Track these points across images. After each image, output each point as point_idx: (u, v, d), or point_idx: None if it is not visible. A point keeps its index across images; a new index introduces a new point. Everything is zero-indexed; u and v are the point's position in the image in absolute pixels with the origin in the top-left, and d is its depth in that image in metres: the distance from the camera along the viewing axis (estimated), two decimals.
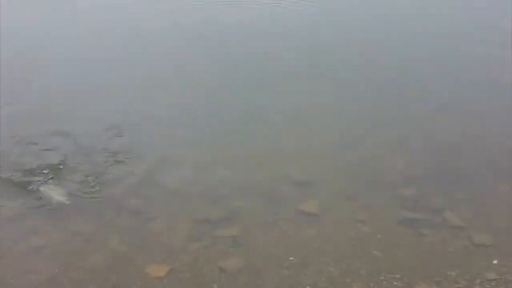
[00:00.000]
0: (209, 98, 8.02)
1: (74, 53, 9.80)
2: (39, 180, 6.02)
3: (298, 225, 5.49)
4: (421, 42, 9.91)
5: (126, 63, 9.41)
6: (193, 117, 7.58)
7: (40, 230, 5.43)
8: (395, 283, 4.70)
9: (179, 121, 7.43)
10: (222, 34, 10.41)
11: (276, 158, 6.60)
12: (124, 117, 7.47)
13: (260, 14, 11.39)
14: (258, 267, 4.92)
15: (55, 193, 5.77)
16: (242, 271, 4.86)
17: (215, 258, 5.02)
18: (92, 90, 8.30)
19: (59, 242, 5.29)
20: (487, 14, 11.00)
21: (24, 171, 6.22)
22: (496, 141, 6.77)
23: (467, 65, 8.95)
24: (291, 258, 5.04)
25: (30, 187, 5.94)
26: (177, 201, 5.87)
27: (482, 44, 9.22)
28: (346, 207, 5.79)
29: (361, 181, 6.20)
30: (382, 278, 4.77)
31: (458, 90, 8.11)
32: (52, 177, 6.08)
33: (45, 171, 6.19)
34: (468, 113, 7.42)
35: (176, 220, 5.57)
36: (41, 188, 5.87)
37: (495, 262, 4.91)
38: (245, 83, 8.53)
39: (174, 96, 8.08)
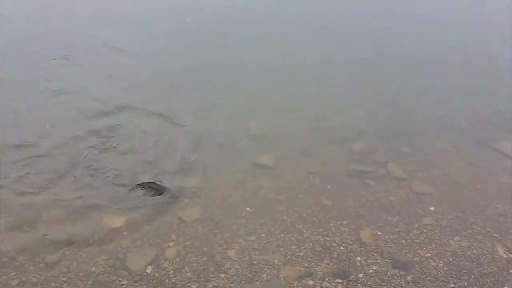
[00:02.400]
0: (177, 46, 8.03)
1: None
2: None
3: (254, 177, 5.76)
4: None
5: None
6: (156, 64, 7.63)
7: None
8: (342, 228, 5.13)
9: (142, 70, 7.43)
10: None
11: (237, 112, 6.76)
12: None
13: None
14: (216, 217, 5.17)
15: None
16: (200, 221, 5.09)
17: (173, 209, 5.20)
18: None
19: None
20: None
21: None
22: (439, 102, 7.27)
23: (429, 37, 9.36)
24: (248, 209, 5.33)
25: None
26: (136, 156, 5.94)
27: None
28: (300, 161, 6.12)
29: (316, 136, 6.55)
30: (331, 224, 5.18)
31: (413, 59, 8.52)
32: None
33: None
34: (418, 78, 7.86)
35: (132, 173, 5.66)
36: None
37: (432, 208, 5.45)
38: (217, 35, 8.58)
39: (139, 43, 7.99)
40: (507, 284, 4.55)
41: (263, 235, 5.00)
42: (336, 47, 8.46)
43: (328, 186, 5.73)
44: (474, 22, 9.84)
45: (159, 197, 5.36)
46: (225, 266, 4.59)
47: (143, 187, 5.48)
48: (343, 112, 6.92)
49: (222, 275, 4.50)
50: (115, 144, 6.13)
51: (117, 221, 5.04)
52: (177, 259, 4.63)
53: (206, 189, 5.52)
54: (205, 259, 4.65)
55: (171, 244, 4.80)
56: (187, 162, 5.84)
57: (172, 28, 9.01)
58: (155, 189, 5.45)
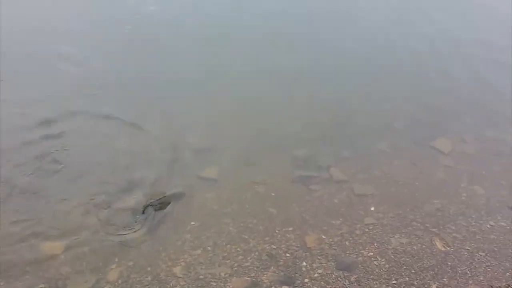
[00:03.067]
0: (107, 59, 7.91)
1: None
2: None
3: (199, 191, 5.72)
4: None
5: None
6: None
7: None
8: (288, 235, 5.19)
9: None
10: None
11: (177, 126, 6.70)
12: None
13: None
14: (160, 234, 5.08)
15: None
16: (144, 241, 4.98)
17: (114, 231, 5.07)
18: None
19: None
20: None
21: None
22: (375, 105, 7.53)
23: (365, 40, 9.68)
24: (193, 223, 5.28)
25: None
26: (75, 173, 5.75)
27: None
28: (244, 171, 6.14)
29: (258, 146, 6.57)
30: (277, 232, 5.23)
31: (349, 64, 8.78)
32: None
33: None
34: (355, 82, 8.11)
35: (74, 195, 5.47)
36: None
37: (373, 209, 5.63)
38: (157, 45, 8.54)
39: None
40: (445, 276, 4.76)
41: (209, 248, 4.97)
42: (272, 56, 8.58)
43: (273, 194, 5.78)
44: (410, 23, 10.27)
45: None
46: (171, 284, 4.52)
47: (153, 205, 5.38)
48: (283, 121, 7.02)
49: None
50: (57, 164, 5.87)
51: (56, 247, 4.85)
52: (120, 281, 4.51)
53: (149, 207, 5.41)
54: (149, 278, 4.56)
55: (113, 266, 4.67)
56: (131, 180, 5.71)
57: (109, 38, 8.77)
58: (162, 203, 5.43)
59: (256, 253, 4.93)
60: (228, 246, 5.01)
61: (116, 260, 4.74)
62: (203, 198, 5.65)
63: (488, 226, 5.40)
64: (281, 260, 4.86)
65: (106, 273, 4.59)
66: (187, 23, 9.61)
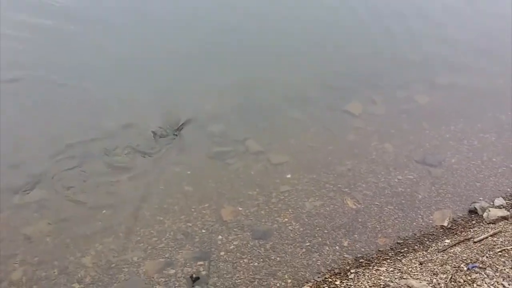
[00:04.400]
0: None
1: None
2: None
3: (109, 178, 5.54)
4: None
5: None
6: None
7: None
8: (204, 211, 5.18)
9: None
10: None
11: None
12: None
13: None
14: (68, 226, 4.88)
15: None
16: (49, 234, 4.77)
17: (18, 226, 4.81)
18: None
19: None
20: None
21: None
22: (287, 75, 7.61)
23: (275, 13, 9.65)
24: (104, 211, 5.12)
25: None
26: None
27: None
28: (159, 152, 6.01)
29: (174, 125, 6.44)
30: (193, 209, 5.21)
31: (259, 35, 8.75)
32: None
33: None
34: (265, 54, 8.10)
35: None
36: None
37: (288, 176, 5.74)
38: None
39: None
40: (356, 232, 4.98)
41: (121, 234, 4.85)
42: (180, 34, 8.37)
43: (189, 172, 5.73)
44: None
45: None
46: (79, 275, 4.38)
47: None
48: (197, 98, 6.93)
49: (76, 285, 4.28)
50: None
51: None
52: (24, 279, 4.30)
53: (53, 200, 5.16)
54: (56, 272, 4.39)
55: (16, 265, 4.43)
56: (31, 175, 5.40)
57: None
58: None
59: (171, 233, 4.89)
60: (142, 230, 4.93)
61: (19, 258, 4.50)
62: (116, 184, 5.47)
63: (396, 180, 5.69)
64: (197, 237, 4.85)
65: (9, 273, 4.35)
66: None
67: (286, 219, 5.11)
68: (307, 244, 4.81)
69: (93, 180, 5.48)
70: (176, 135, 6.31)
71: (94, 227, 4.90)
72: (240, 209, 5.24)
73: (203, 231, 4.94)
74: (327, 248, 4.77)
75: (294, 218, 5.13)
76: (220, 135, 6.36)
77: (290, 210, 5.23)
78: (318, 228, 5.01)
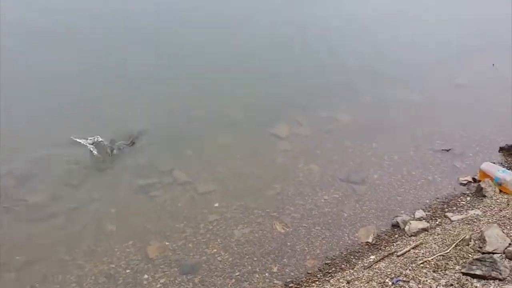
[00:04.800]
0: None
1: None
2: None
3: (23, 222, 5.19)
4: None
5: None
6: None
7: None
8: (128, 250, 4.98)
9: None
10: None
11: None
12: None
13: None
14: None
15: None
16: None
17: None
18: None
19: None
20: None
21: None
22: (213, 100, 7.65)
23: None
24: (18, 257, 4.79)
25: None
26: None
27: None
28: (80, 188, 5.75)
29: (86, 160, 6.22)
30: (116, 249, 4.99)
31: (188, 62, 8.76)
32: None
33: None
34: (190, 80, 8.13)
35: None
36: None
37: (216, 205, 5.68)
38: None
39: None
40: (285, 257, 4.99)
41: (37, 285, 4.52)
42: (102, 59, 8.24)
43: (112, 210, 5.51)
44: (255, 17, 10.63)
45: None
46: None
47: None
48: (118, 128, 6.75)
49: None
50: None
51: None
52: None
53: None
54: None
55: None
56: None
57: None
58: None
59: (93, 278, 4.63)
60: (60, 276, 4.63)
61: None
62: (29, 230, 5.14)
63: (323, 200, 5.81)
64: (121, 279, 4.63)
65: None
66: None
67: (215, 250, 5.02)
68: (237, 274, 4.74)
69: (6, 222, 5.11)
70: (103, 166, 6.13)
71: (5, 279, 4.54)
72: (167, 243, 5.09)
73: (128, 271, 4.73)
74: (257, 276, 4.74)
75: (223, 248, 5.06)
76: (145, 166, 6.21)
77: (218, 240, 5.16)
78: (247, 256, 4.96)
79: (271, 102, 7.69)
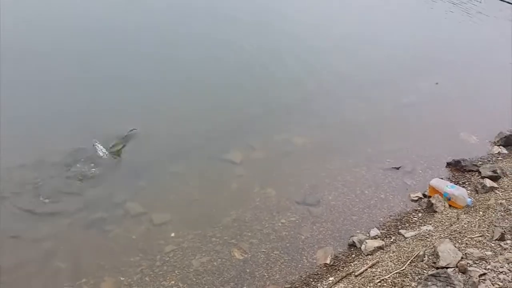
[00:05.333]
0: None
1: None
2: None
3: None
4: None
5: None
6: None
7: None
8: None
9: None
10: None
11: None
12: None
13: None
14: None
15: None
16: None
17: None
18: None
19: None
20: None
21: None
22: (164, 128, 7.59)
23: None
24: None
25: None
26: None
27: None
28: (25, 225, 5.52)
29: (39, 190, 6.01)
30: None
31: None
32: None
33: None
34: (140, 110, 8.06)
35: None
36: None
37: (172, 235, 5.60)
38: None
39: None
40: (245, 284, 4.98)
41: None
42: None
43: (62, 247, 5.30)
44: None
45: None
46: None
47: None
48: (71, 159, 6.58)
49: None
50: None
51: None
52: None
53: None
54: None
55: None
56: None
57: None
58: None
59: None
60: None
61: None
62: None
63: (280, 224, 5.86)
64: None
65: None
66: None
67: (173, 282, 4.94)
68: None
69: None
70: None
71: None
72: (122, 279, 4.95)
73: None
74: None
75: (181, 279, 4.98)
76: (97, 200, 6.05)
77: (176, 272, 5.07)
78: (206, 286, 4.91)
79: (224, 128, 7.72)
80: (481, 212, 5.72)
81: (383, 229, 5.80)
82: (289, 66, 9.91)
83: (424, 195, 6.39)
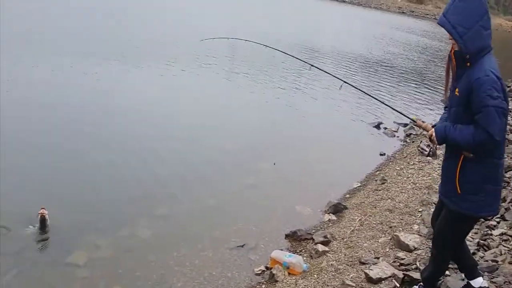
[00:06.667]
0: None
1: None
2: None
3: None
4: None
5: None
6: None
7: None
8: None
9: None
10: None
11: None
12: None
13: None
14: None
15: None
16: None
17: None
18: None
19: None
20: None
21: None
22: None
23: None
24: None
25: None
26: None
27: None
28: None
29: None
30: None
31: None
32: None
33: None
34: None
35: None
36: None
37: None
38: None
39: None
40: None
41: None
42: None
43: None
44: None
45: None
46: None
47: None
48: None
49: None
50: None
51: None
52: None
53: None
54: None
55: None
56: None
57: None
58: None
59: None
60: None
61: None
62: None
63: None
64: None
65: None
66: None
67: None
68: None
69: None
70: None
71: None
72: None
73: None
74: None
75: None
76: None
77: None
78: None
79: (65, 229, 7.51)
80: (315, 275, 6.47)
81: None
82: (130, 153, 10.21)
83: (267, 268, 6.97)
